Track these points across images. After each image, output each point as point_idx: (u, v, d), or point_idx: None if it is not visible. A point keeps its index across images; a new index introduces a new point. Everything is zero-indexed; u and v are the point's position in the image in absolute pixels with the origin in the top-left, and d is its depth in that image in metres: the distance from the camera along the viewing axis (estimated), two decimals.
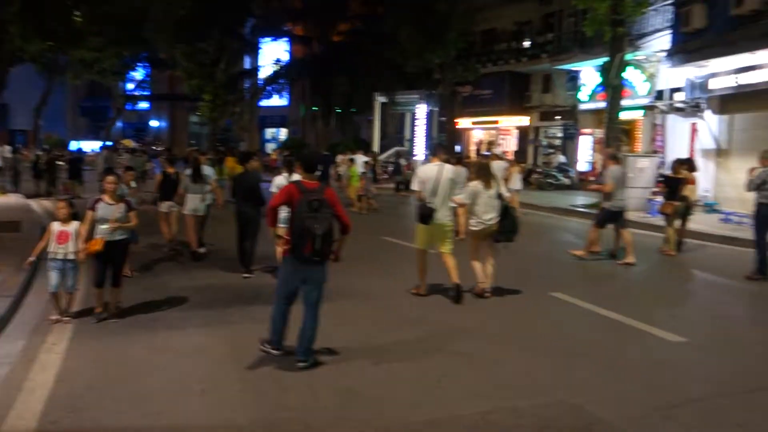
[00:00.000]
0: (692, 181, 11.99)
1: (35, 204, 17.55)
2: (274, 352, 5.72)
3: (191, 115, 52.09)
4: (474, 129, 33.37)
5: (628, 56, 17.92)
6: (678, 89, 18.99)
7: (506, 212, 8.13)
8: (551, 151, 28.38)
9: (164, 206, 10.61)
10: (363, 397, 4.98)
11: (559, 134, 28.65)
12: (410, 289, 8.20)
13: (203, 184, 10.50)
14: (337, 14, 37.01)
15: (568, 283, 9.12)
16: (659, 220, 12.67)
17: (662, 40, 18.91)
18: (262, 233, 8.35)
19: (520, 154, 28.43)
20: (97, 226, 6.78)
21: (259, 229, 8.98)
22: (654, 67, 20.37)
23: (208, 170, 10.87)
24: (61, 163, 22.80)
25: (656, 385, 5.32)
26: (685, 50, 17.13)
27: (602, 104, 19.58)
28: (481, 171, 8.29)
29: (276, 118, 50.61)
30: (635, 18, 17.64)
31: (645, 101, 20.96)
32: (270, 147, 48.60)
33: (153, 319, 6.95)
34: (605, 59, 17.40)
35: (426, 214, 7.84)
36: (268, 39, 40.96)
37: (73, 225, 6.80)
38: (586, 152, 26.03)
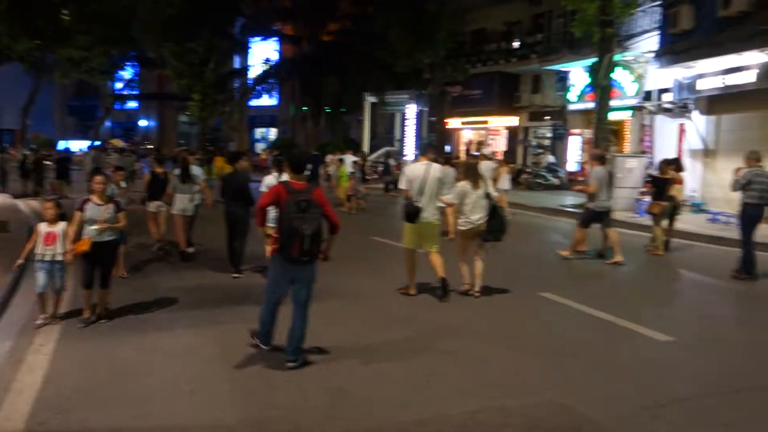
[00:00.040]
0: (679, 181, 12.09)
1: (22, 204, 17.43)
2: (263, 346, 5.81)
3: (180, 114, 51.84)
4: (464, 129, 33.41)
5: (617, 57, 18.02)
6: (666, 90, 19.11)
7: (494, 212, 8.19)
8: (540, 151, 28.48)
9: (152, 206, 10.57)
10: (352, 397, 4.98)
11: (549, 134, 28.74)
12: (399, 289, 8.22)
13: (192, 184, 10.47)
14: (327, 14, 36.98)
15: (556, 283, 9.16)
16: (647, 220, 12.75)
17: (650, 41, 19.03)
18: (252, 233, 8.34)
19: (510, 154, 28.47)
20: (85, 226, 6.70)
21: (248, 229, 8.96)
22: (642, 68, 20.49)
23: (196, 170, 10.83)
24: (48, 162, 22.66)
25: (644, 384, 5.36)
26: (672, 51, 17.24)
27: (591, 105, 19.68)
28: (469, 171, 8.33)
29: (266, 117, 50.47)
30: (624, 19, 17.75)
31: (633, 102, 21.07)
32: (260, 147, 48.44)
33: (142, 320, 6.92)
34: (594, 60, 17.50)
35: (412, 213, 7.88)
36: (257, 38, 40.85)
37: (60, 226, 6.73)
38: (575, 152, 26.15)
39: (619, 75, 20.01)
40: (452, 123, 31.87)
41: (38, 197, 18.86)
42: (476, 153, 23.67)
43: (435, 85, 28.80)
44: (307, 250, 5.30)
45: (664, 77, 18.86)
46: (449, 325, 6.98)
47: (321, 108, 37.86)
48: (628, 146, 21.94)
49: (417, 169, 8.05)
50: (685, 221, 14.09)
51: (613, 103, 18.60)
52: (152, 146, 45.56)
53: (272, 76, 38.84)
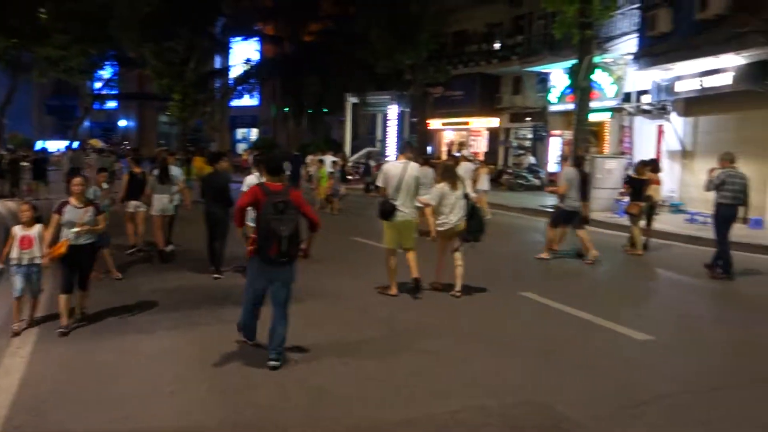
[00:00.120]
0: (656, 182, 12.26)
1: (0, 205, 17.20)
2: (248, 342, 5.96)
3: (161, 114, 51.45)
4: (445, 130, 33.52)
5: (596, 59, 18.15)
6: (645, 92, 19.29)
7: (473, 213, 8.29)
8: (521, 152, 28.66)
9: (131, 206, 10.50)
10: (333, 396, 4.98)
11: (529, 135, 28.94)
12: (377, 288, 8.26)
13: (171, 185, 10.41)
14: (308, 14, 36.88)
15: (536, 283, 9.22)
16: (627, 221, 12.87)
17: (629, 44, 19.19)
18: (232, 234, 8.30)
19: (491, 155, 28.71)
20: (62, 229, 6.51)
21: (228, 229, 8.91)
22: (621, 70, 20.66)
23: (175, 170, 10.77)
24: (25, 163, 22.32)
25: (623, 383, 5.41)
26: (651, 54, 17.40)
27: (571, 106, 19.80)
28: (447, 173, 8.42)
29: (247, 118, 50.27)
30: (603, 21, 17.89)
31: (613, 103, 21.24)
32: (241, 147, 48.22)
33: (122, 322, 6.86)
34: (574, 62, 17.62)
35: (387, 210, 7.95)
36: (238, 38, 40.62)
37: (36, 229, 6.55)
38: (555, 153, 26.29)
39: (598, 77, 20.16)
40: (434, 124, 31.96)
41: (14, 198, 18.59)
42: (457, 154, 23.76)
43: (417, 86, 28.85)
44: (285, 251, 5.32)
45: (642, 79, 19.04)
46: (430, 325, 7.00)
47: (302, 108, 37.75)
48: (607, 147, 22.12)
49: (394, 168, 8.13)
50: (664, 221, 14.26)
51: (592, 104, 18.73)
52: (130, 146, 45.04)
53: (253, 76, 38.66)
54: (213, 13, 34.63)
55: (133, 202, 10.45)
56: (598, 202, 16.59)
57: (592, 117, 19.12)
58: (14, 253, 6.45)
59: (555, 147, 26.22)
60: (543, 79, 26.14)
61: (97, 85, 47.93)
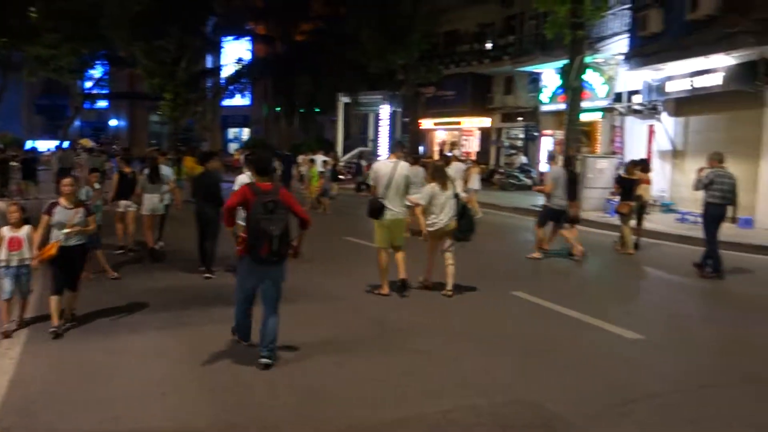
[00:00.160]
0: (646, 181, 12.32)
1: None
2: (243, 342, 5.95)
3: (152, 114, 51.12)
4: (437, 130, 33.54)
5: (588, 59, 18.20)
6: (636, 92, 19.36)
7: (464, 212, 8.33)
8: (513, 152, 28.71)
9: (121, 206, 10.46)
10: (324, 396, 4.97)
11: (521, 135, 29.00)
12: (371, 288, 8.25)
13: (161, 184, 10.39)
14: (300, 14, 36.84)
15: (527, 282, 9.24)
16: (617, 220, 12.92)
17: (620, 44, 19.25)
18: (223, 233, 8.28)
19: (483, 155, 28.76)
20: (52, 230, 6.45)
21: (219, 229, 8.87)
22: (612, 70, 20.73)
23: (166, 170, 10.75)
24: (14, 163, 22.17)
25: (613, 381, 5.43)
26: (642, 54, 17.46)
27: (563, 106, 19.84)
28: (437, 173, 8.44)
29: (238, 117, 50.11)
30: (594, 21, 17.95)
31: (604, 103, 21.31)
32: (233, 147, 48.07)
33: (112, 323, 6.83)
34: (565, 62, 17.65)
35: (376, 208, 7.98)
36: (230, 38, 40.58)
37: (25, 230, 6.47)
38: (547, 153, 26.36)
39: (590, 77, 20.22)
40: (426, 124, 31.96)
41: (3, 198, 18.46)
42: (449, 154, 23.80)
43: (408, 86, 28.83)
44: (276, 250, 5.33)
45: (633, 79, 19.11)
46: (421, 324, 7.01)
47: (294, 108, 37.71)
48: (599, 147, 22.19)
49: (384, 166, 8.19)
50: (654, 221, 14.32)
51: (584, 104, 18.78)
52: (120, 145, 44.79)
53: (245, 75, 38.60)
54: (204, 12, 34.55)
55: (124, 202, 10.42)
56: (589, 202, 16.67)
57: (584, 117, 19.19)
58: (3, 255, 6.37)
59: (546, 147, 26.29)
60: (534, 79, 26.20)
61: (88, 84, 47.66)
